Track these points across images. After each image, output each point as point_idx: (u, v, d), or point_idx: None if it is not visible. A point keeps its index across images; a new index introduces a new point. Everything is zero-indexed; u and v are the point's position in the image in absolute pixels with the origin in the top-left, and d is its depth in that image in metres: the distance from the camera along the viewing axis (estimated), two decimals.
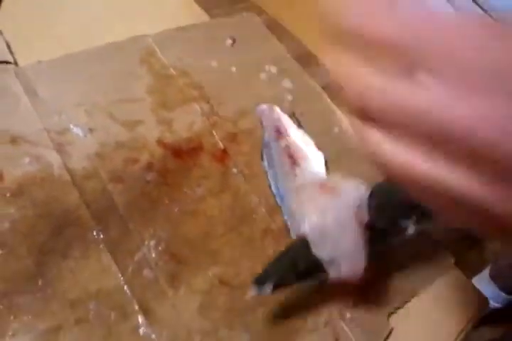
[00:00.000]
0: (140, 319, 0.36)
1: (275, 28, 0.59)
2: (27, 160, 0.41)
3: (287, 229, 0.43)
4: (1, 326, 0.34)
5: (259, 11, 0.63)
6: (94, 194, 0.41)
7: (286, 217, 0.44)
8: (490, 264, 1.03)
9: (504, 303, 1.01)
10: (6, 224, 0.38)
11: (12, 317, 0.34)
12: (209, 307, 0.38)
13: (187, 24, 0.55)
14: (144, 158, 0.44)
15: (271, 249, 0.42)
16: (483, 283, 1.01)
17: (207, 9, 0.57)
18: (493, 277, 1.03)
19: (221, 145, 0.47)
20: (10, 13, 0.50)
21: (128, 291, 0.37)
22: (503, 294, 1.01)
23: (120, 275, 0.38)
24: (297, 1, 0.67)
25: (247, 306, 0.39)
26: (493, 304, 1.01)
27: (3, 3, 0.50)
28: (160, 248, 0.40)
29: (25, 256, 0.37)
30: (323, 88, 0.55)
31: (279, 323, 0.39)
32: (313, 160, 0.48)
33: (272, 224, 0.44)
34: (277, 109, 0.51)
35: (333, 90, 0.65)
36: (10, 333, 0.34)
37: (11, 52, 0.47)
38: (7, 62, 0.46)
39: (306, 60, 0.64)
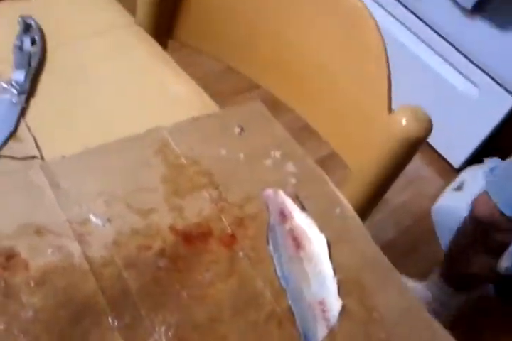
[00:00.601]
0: None
1: (271, 102, 0.65)
2: (50, 250, 0.45)
3: (291, 313, 0.46)
4: None
5: (255, 85, 0.69)
6: (110, 280, 0.44)
7: (290, 301, 0.46)
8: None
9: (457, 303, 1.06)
10: (30, 313, 0.41)
11: None
12: None
13: (199, 114, 0.60)
14: (157, 244, 0.48)
15: (275, 333, 0.44)
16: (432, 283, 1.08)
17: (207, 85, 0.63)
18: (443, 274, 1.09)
19: (229, 229, 0.50)
20: (37, 110, 0.56)
21: None
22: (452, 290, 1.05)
23: None
24: (290, 74, 0.73)
25: None
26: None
27: (31, 102, 0.56)
28: (170, 334, 0.43)
29: None
30: (322, 160, 0.60)
31: None
32: (316, 242, 0.51)
33: (276, 308, 0.46)
34: (282, 193, 0.54)
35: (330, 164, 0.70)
36: None
37: (38, 147, 0.52)
38: (33, 157, 0.51)
39: (304, 133, 0.69)
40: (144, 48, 0.67)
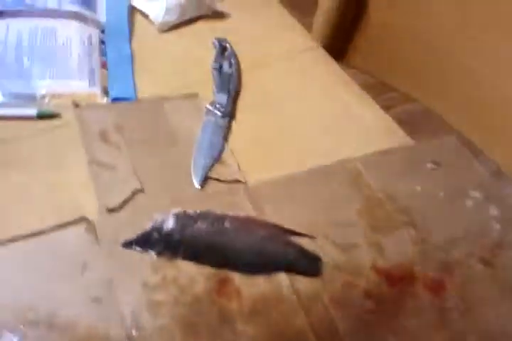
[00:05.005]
0: None
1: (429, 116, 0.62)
2: (261, 279, 0.45)
3: None
4: None
5: (408, 98, 0.66)
6: (318, 317, 0.43)
7: None
8: None
9: None
10: None
11: None
12: None
13: (389, 144, 0.58)
14: (361, 283, 0.46)
15: None
16: None
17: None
18: None
19: (433, 275, 0.47)
20: (236, 133, 0.56)
21: None
22: None
23: None
24: (451, 89, 0.69)
25: None
26: None
27: (234, 126, 0.57)
28: None
29: None
30: None
31: None
32: None
33: None
34: None
35: None
36: None
37: (241, 171, 0.52)
38: (238, 181, 0.51)
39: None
40: (329, 72, 0.66)
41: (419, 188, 0.54)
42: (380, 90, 0.69)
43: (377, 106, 0.63)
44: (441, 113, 0.67)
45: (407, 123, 0.62)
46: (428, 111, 0.68)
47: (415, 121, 0.65)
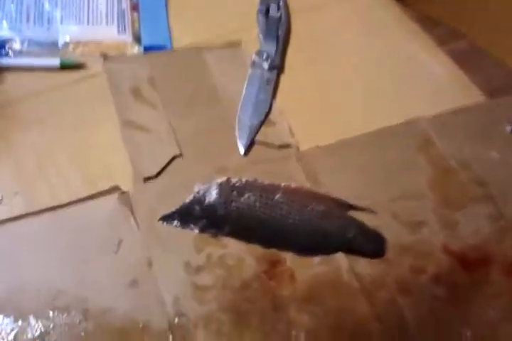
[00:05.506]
0: None
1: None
2: (317, 259, 0.39)
3: None
4: None
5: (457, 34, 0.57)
6: (384, 306, 0.38)
7: None
8: None
9: None
10: (302, 334, 0.36)
11: None
12: None
13: (462, 105, 0.50)
14: (431, 267, 0.40)
15: None
16: None
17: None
18: None
19: (511, 256, 0.41)
20: (285, 89, 0.49)
21: None
22: None
23: None
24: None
25: None
26: None
27: (283, 80, 0.49)
28: None
29: None
30: None
31: None
32: None
33: None
34: None
35: None
36: None
37: (292, 134, 0.46)
38: (288, 146, 0.45)
39: None
40: (392, 17, 0.57)
41: (496, 154, 0.47)
42: (427, 25, 0.59)
43: (447, 58, 0.54)
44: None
45: (461, 62, 0.54)
46: (480, 50, 0.59)
47: (468, 60, 0.57)
